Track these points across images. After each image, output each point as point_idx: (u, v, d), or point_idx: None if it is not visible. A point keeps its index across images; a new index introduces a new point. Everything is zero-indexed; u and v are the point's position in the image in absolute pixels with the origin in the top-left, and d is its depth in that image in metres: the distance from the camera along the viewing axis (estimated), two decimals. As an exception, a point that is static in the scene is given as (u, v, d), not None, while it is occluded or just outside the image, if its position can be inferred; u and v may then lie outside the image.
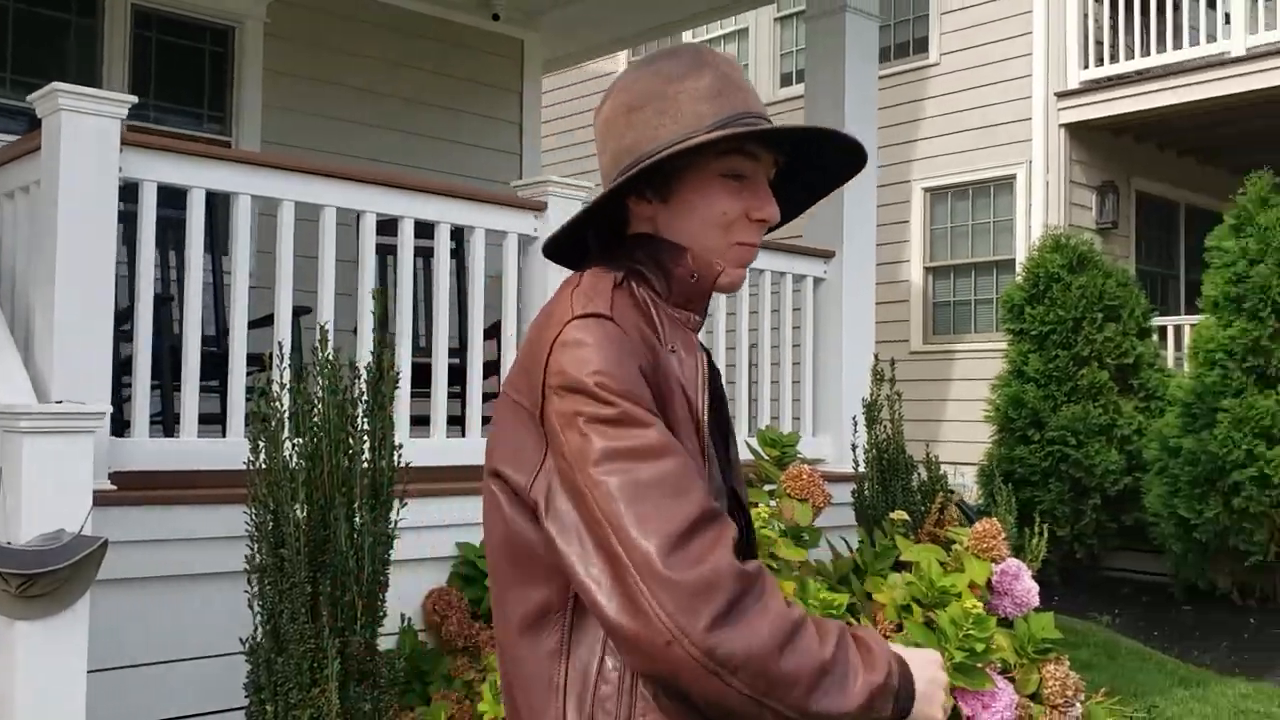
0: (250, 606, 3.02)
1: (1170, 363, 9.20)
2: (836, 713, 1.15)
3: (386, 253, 4.50)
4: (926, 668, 1.26)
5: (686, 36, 12.42)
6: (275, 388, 3.13)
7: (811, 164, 1.45)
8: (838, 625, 1.21)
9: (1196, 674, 6.41)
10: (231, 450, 3.36)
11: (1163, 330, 9.44)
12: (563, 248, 1.43)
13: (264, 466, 3.00)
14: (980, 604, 3.58)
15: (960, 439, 9.92)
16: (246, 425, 3.39)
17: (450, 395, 4.26)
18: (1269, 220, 7.65)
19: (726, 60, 1.39)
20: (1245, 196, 7.86)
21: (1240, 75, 8.66)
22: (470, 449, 4.03)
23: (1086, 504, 8.39)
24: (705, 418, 1.29)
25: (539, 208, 4.36)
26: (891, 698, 1.19)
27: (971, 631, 3.13)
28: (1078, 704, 4.09)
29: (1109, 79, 9.56)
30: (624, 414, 1.19)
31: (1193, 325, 8.42)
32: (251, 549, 3.02)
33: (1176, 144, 10.66)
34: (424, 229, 4.19)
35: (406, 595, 3.50)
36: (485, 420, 4.39)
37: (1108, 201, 10.05)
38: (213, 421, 4.02)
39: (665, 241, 1.35)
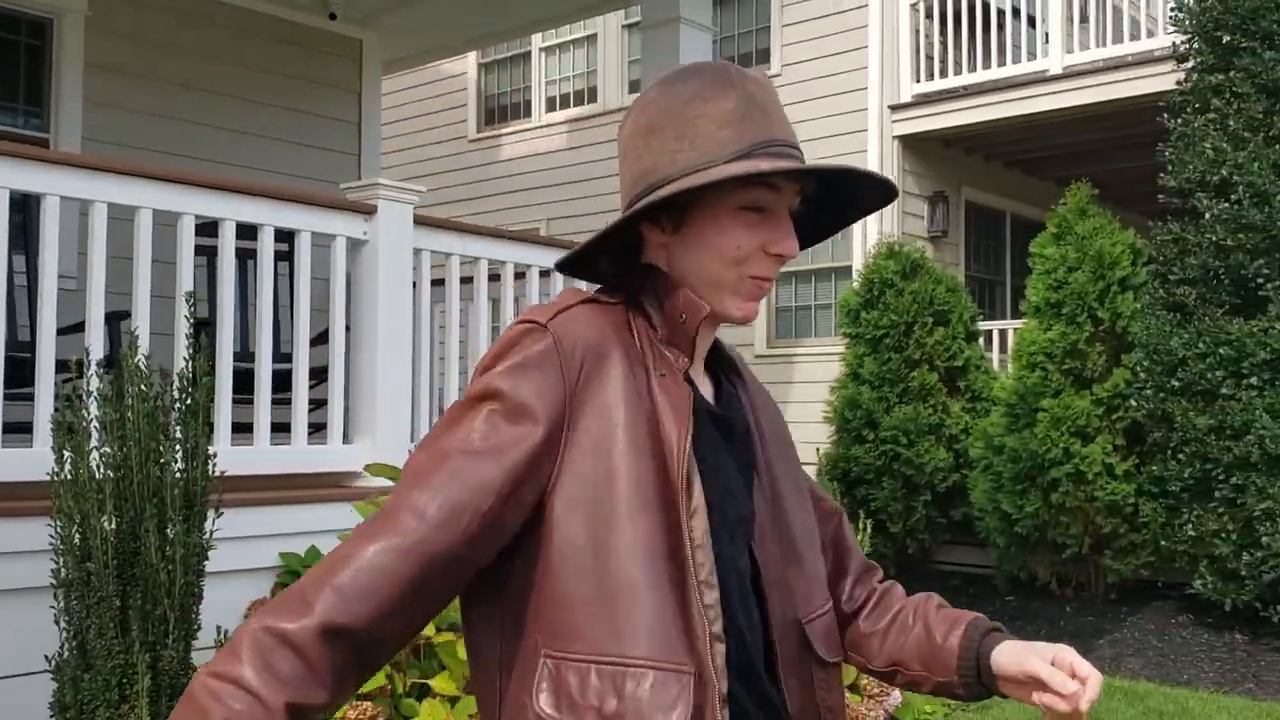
0: (56, 623, 2.92)
1: (996, 365, 9.61)
2: None
3: (212, 255, 4.39)
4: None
5: (536, 40, 12.45)
6: (84, 395, 3.02)
7: (836, 193, 1.38)
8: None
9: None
10: (41, 460, 3.22)
11: (989, 334, 9.85)
12: (586, 264, 1.38)
13: (69, 477, 2.90)
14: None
15: (802, 440, 10.12)
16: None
17: (279, 402, 4.17)
18: (1087, 229, 8.07)
19: (755, 80, 1.30)
20: (1065, 206, 8.27)
21: (1059, 92, 9.12)
22: (296, 457, 3.96)
23: (918, 500, 8.71)
24: (687, 445, 1.24)
25: (369, 211, 4.31)
26: None
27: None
28: (895, 693, 4.25)
29: (939, 93, 9.94)
30: (485, 391, 1.21)
31: (1016, 329, 8.82)
32: (56, 563, 2.91)
33: (1003, 156, 11.15)
34: (253, 231, 4.10)
35: (225, 607, 3.42)
36: (314, 428, 4.31)
37: (938, 211, 10.45)
38: (24, 430, 3.86)
39: (662, 276, 1.32)
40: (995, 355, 9.74)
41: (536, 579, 1.20)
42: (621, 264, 1.36)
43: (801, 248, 1.33)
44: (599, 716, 1.15)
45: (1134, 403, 7.44)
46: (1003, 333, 9.85)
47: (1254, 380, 6.58)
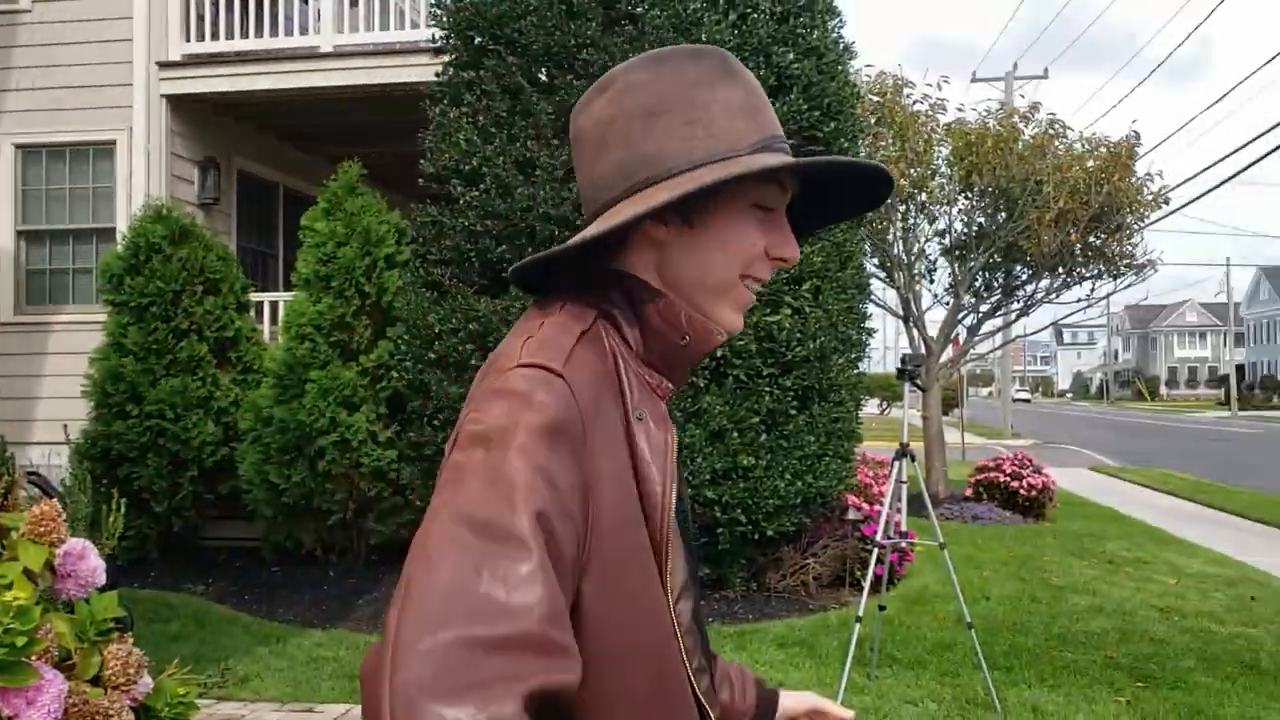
0: None
1: (268, 337, 9.57)
2: None
3: None
4: None
5: None
6: None
7: (820, 193, 1.28)
8: None
9: (278, 630, 6.79)
10: None
11: (260, 306, 9.77)
12: (531, 270, 1.19)
13: None
14: (35, 592, 3.35)
15: (58, 417, 9.28)
16: None
17: None
18: (356, 206, 8.34)
19: (746, 71, 1.21)
20: (336, 183, 8.46)
21: (330, 70, 9.30)
22: None
23: (184, 476, 8.39)
24: (673, 499, 1.10)
25: None
26: None
27: (12, 625, 2.90)
28: (146, 679, 4.05)
29: (210, 56, 9.63)
30: (522, 457, 0.97)
31: (288, 301, 8.85)
32: None
33: (278, 128, 11.11)
34: None
35: None
36: None
37: (209, 177, 10.13)
38: None
39: (639, 284, 1.16)
40: (267, 327, 9.70)
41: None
42: (580, 269, 1.20)
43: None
44: None
45: (396, 374, 7.86)
46: (274, 304, 9.83)
47: (497, 353, 7.29)
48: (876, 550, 5.54)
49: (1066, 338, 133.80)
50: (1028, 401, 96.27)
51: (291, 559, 8.41)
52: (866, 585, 5.54)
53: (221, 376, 8.75)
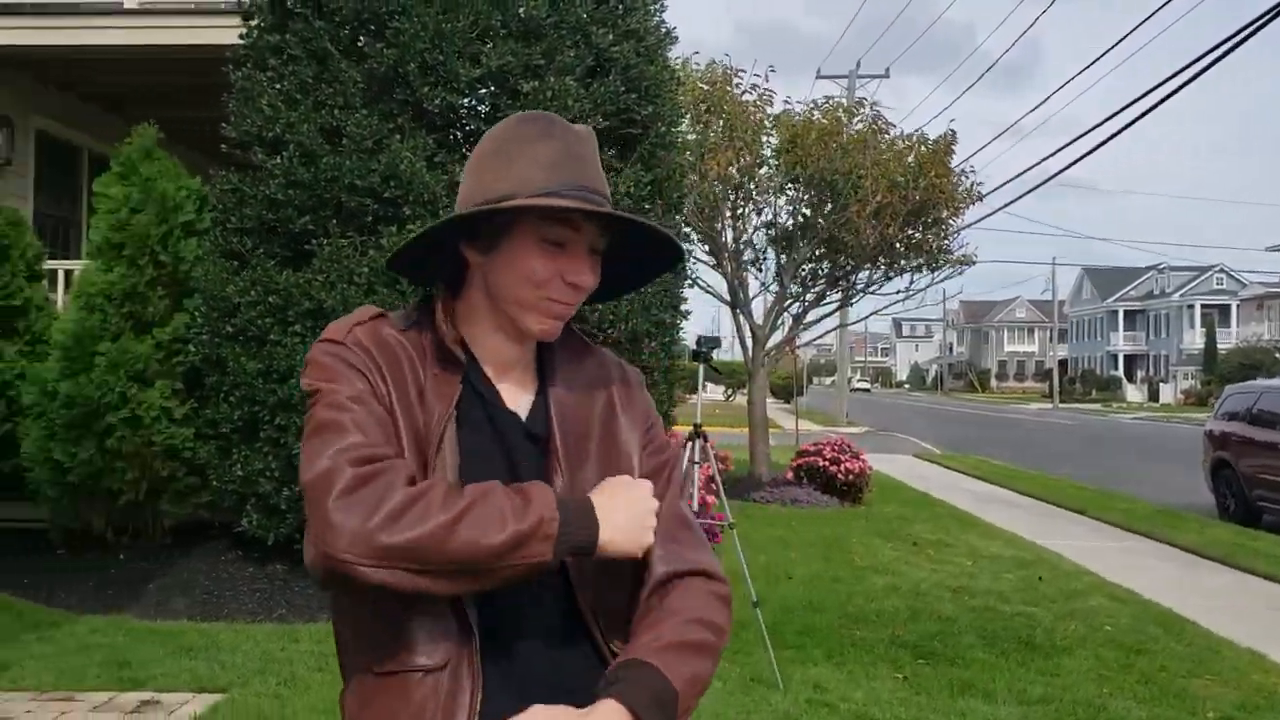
0: None
1: (62, 306, 9.08)
2: (473, 554, 1.31)
3: None
4: (630, 505, 1.43)
5: None
6: None
7: (634, 247, 1.56)
8: (478, 487, 1.35)
9: (54, 616, 6.44)
10: None
11: (55, 274, 9.26)
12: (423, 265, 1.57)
13: None
14: None
15: None
16: None
17: None
18: (152, 171, 7.95)
19: (576, 134, 1.50)
20: (131, 146, 8.05)
21: (131, 28, 8.85)
22: None
23: (-39, 454, 7.88)
24: (447, 430, 1.45)
25: None
26: (547, 541, 1.34)
27: None
28: None
29: (4, 6, 9.05)
30: (320, 392, 1.43)
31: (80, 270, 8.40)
32: None
33: (80, 88, 10.54)
34: None
35: None
36: None
37: (2, 137, 9.53)
38: None
39: (462, 308, 1.55)
40: (61, 297, 9.20)
41: None
42: (452, 271, 1.55)
43: (608, 297, 1.63)
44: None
45: (193, 347, 7.53)
46: (69, 273, 9.32)
47: (298, 327, 7.06)
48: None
49: (905, 330, 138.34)
50: (868, 391, 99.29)
51: (81, 542, 7.99)
52: (656, 565, 5.54)
53: (7, 348, 8.25)
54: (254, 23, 7.63)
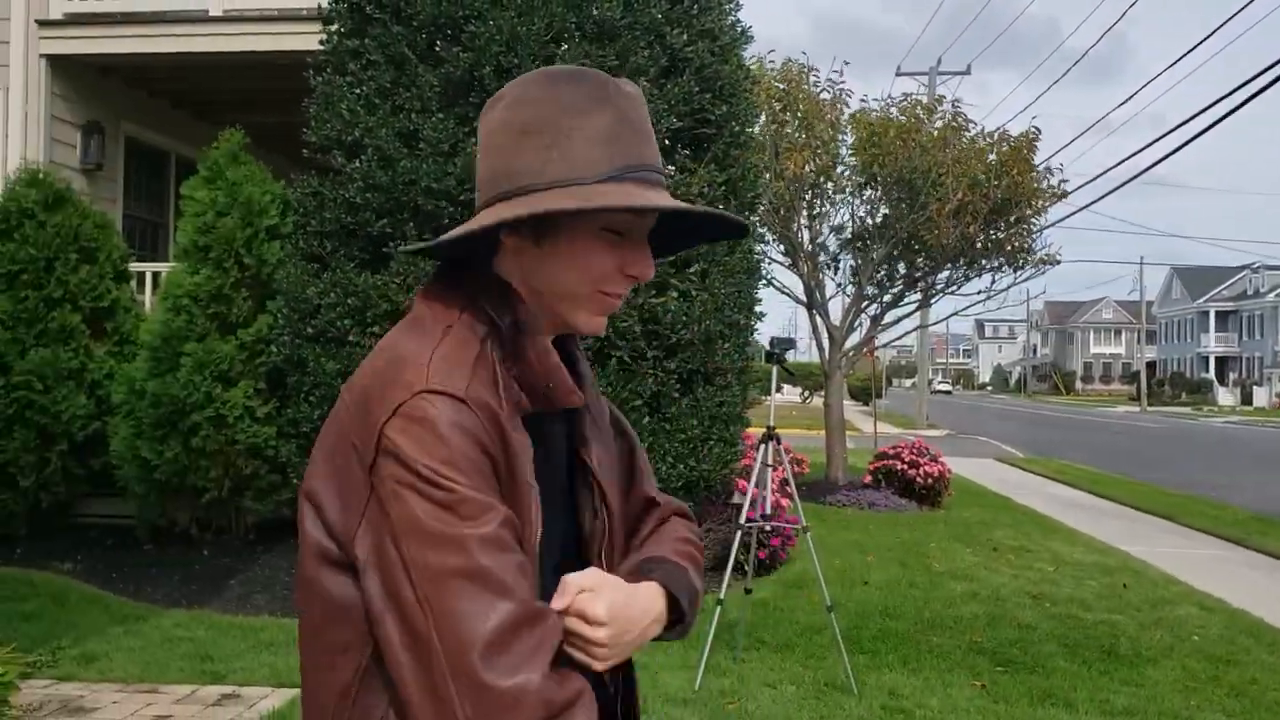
0: None
1: (149, 308, 9.30)
2: None
3: None
4: (634, 625, 1.30)
5: None
6: None
7: (688, 221, 1.40)
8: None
9: (140, 610, 6.61)
10: None
11: (143, 276, 9.50)
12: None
13: None
14: None
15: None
16: None
17: None
18: (238, 175, 8.12)
19: (628, 97, 1.30)
20: (218, 151, 8.23)
21: (219, 35, 9.05)
22: None
23: (53, 451, 8.12)
24: (532, 480, 1.25)
25: None
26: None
27: None
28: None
29: (95, 15, 9.31)
30: (459, 499, 1.16)
31: (168, 272, 8.60)
32: None
33: (169, 94, 10.81)
34: None
35: None
36: None
37: (93, 142, 9.81)
38: None
39: (523, 316, 1.31)
40: (148, 298, 9.43)
41: None
42: (470, 253, 1.34)
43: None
44: None
45: (275, 348, 7.67)
46: (156, 275, 9.55)
47: (376, 329, 7.14)
48: (739, 534, 5.52)
49: (988, 332, 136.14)
50: (949, 393, 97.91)
51: (166, 538, 8.19)
52: (728, 569, 5.52)
53: (96, 348, 8.48)
54: (333, 28, 7.74)
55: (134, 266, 9.11)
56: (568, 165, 1.25)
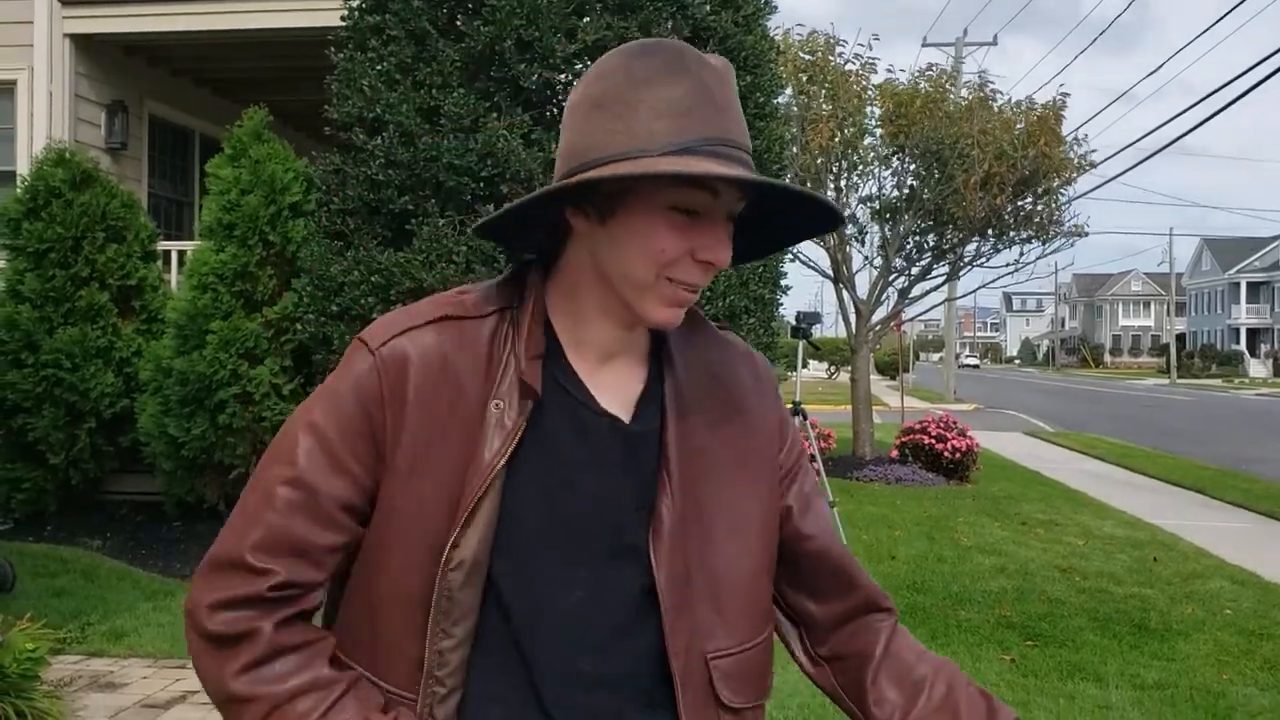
0: None
1: (175, 286, 9.34)
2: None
3: None
4: None
5: None
6: None
7: (779, 210, 1.27)
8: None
9: (169, 586, 6.66)
10: None
11: (169, 255, 9.53)
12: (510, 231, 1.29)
13: None
14: None
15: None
16: None
17: None
18: (261, 154, 8.12)
19: (713, 70, 1.18)
20: (241, 129, 8.23)
21: (239, 13, 9.02)
22: None
23: (82, 428, 8.18)
24: (498, 463, 1.17)
25: None
26: None
27: None
28: (-10, 633, 3.92)
29: (117, -6, 9.30)
30: (312, 413, 1.27)
31: (193, 250, 8.62)
32: None
33: (192, 72, 10.81)
34: None
35: None
36: None
37: (118, 121, 9.83)
38: None
39: (536, 298, 1.26)
40: (174, 276, 9.46)
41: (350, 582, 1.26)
42: (549, 238, 1.27)
43: (736, 262, 1.23)
44: None
45: (300, 326, 7.68)
46: (182, 253, 9.58)
47: (399, 306, 7.14)
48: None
49: (1015, 305, 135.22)
50: (976, 367, 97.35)
51: (195, 514, 8.24)
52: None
53: (124, 326, 8.53)
54: (354, 4, 7.70)
55: (161, 245, 9.15)
56: (631, 137, 1.15)
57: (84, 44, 9.45)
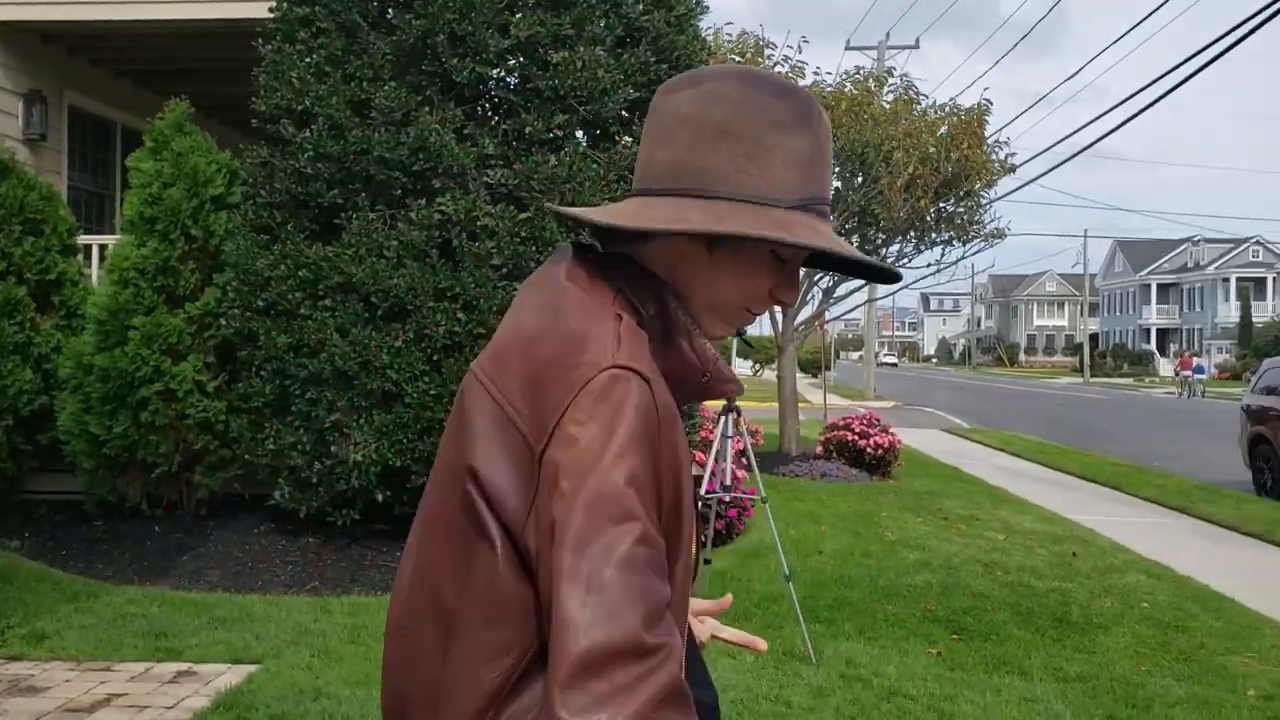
0: None
1: (96, 281, 9.12)
2: None
3: None
4: None
5: None
6: None
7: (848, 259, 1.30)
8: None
9: (91, 587, 6.50)
10: None
11: (89, 249, 9.30)
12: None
13: None
14: None
15: None
16: None
17: None
18: (183, 146, 7.95)
19: (825, 126, 1.25)
20: (163, 121, 8.06)
21: (164, 3, 8.84)
22: None
23: (-1, 426, 7.96)
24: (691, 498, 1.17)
25: None
26: None
27: None
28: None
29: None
30: (625, 511, 1.05)
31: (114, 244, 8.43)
32: None
33: (112, 62, 10.56)
34: None
35: None
36: None
37: (35, 111, 9.57)
38: None
39: (670, 302, 1.22)
40: (95, 271, 9.23)
41: None
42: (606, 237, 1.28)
43: None
44: None
45: (224, 321, 7.56)
46: (103, 248, 9.36)
47: (328, 302, 7.07)
48: (699, 505, 5.53)
49: (933, 305, 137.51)
50: (895, 366, 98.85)
51: (116, 513, 8.05)
52: (688, 539, 5.53)
53: (42, 321, 8.30)
54: (284, -6, 7.60)
55: (81, 239, 8.92)
56: (765, 182, 1.18)
57: (2, 33, 9.18)
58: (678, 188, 1.21)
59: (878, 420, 13.48)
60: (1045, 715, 4.82)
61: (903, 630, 6.07)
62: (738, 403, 6.02)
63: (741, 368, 49.68)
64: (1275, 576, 8.15)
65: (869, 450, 12.90)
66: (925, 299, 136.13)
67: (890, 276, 1.37)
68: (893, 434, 13.22)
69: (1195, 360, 45.44)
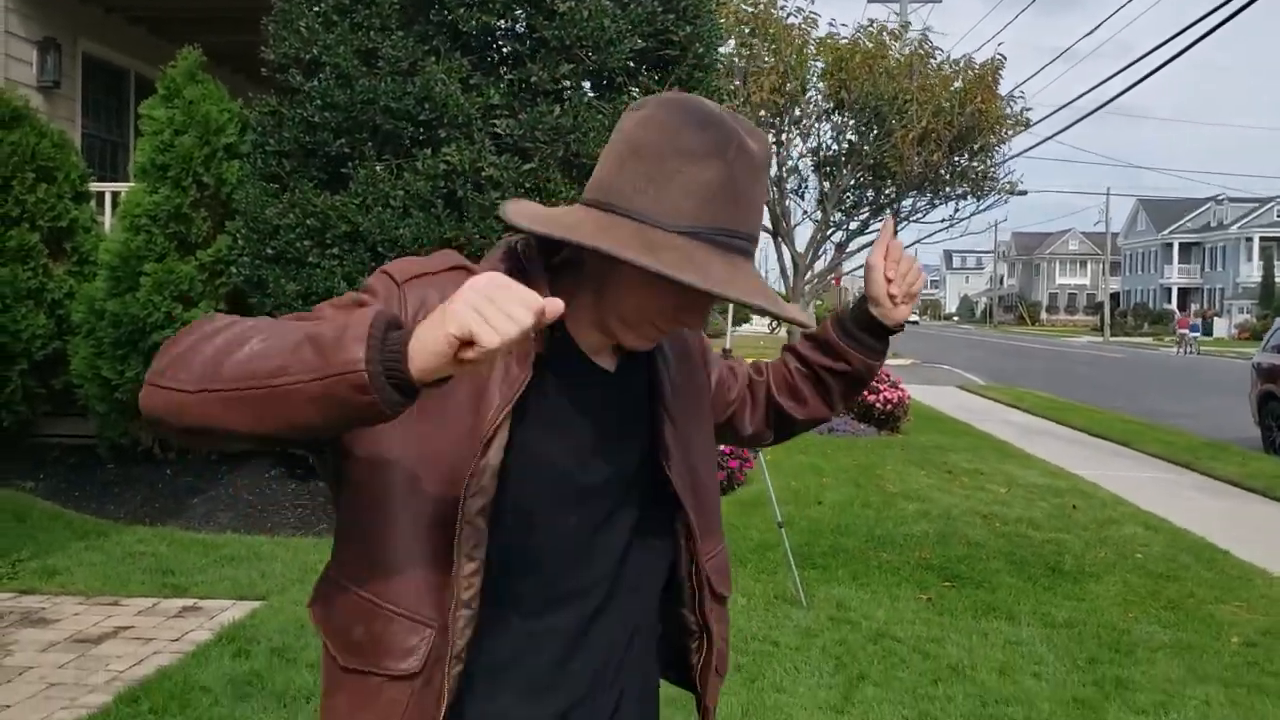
0: None
1: (109, 228, 9.22)
2: (251, 365, 1.14)
3: None
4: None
5: None
6: None
7: None
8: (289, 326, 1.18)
9: (102, 527, 6.67)
10: None
11: (102, 196, 9.40)
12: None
13: None
14: None
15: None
16: None
17: None
18: (195, 94, 8.01)
19: (749, 160, 1.25)
20: (176, 69, 8.11)
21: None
22: None
23: (13, 370, 8.09)
24: (506, 408, 1.25)
25: None
26: (352, 388, 1.06)
27: None
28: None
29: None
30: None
31: (127, 191, 8.52)
32: None
33: (124, 9, 10.59)
34: None
35: None
36: None
37: (49, 59, 9.63)
38: None
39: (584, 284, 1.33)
40: (108, 218, 9.34)
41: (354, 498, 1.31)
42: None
43: None
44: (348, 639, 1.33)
45: (235, 269, 7.65)
46: (116, 194, 9.45)
47: (335, 250, 7.15)
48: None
49: (955, 263, 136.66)
50: (915, 323, 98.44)
51: (129, 457, 8.20)
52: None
53: (55, 267, 8.42)
54: (293, -57, 7.61)
55: (94, 186, 9.01)
56: (657, 205, 1.23)
57: (12, -22, 9.23)
58: (595, 199, 1.28)
59: (887, 375, 13.52)
60: (1029, 657, 4.92)
61: (896, 577, 6.16)
62: (747, 359, 6.09)
63: (759, 323, 49.63)
64: (1274, 531, 8.20)
65: (878, 405, 12.96)
66: (948, 256, 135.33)
67: (798, 323, 1.38)
68: (902, 389, 13.26)
69: (1190, 321, 49.31)
